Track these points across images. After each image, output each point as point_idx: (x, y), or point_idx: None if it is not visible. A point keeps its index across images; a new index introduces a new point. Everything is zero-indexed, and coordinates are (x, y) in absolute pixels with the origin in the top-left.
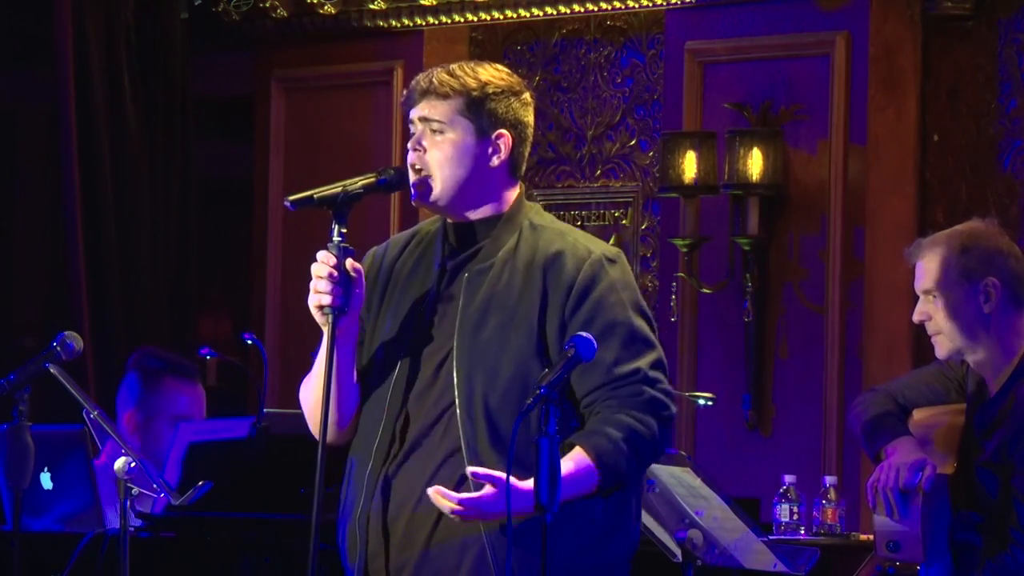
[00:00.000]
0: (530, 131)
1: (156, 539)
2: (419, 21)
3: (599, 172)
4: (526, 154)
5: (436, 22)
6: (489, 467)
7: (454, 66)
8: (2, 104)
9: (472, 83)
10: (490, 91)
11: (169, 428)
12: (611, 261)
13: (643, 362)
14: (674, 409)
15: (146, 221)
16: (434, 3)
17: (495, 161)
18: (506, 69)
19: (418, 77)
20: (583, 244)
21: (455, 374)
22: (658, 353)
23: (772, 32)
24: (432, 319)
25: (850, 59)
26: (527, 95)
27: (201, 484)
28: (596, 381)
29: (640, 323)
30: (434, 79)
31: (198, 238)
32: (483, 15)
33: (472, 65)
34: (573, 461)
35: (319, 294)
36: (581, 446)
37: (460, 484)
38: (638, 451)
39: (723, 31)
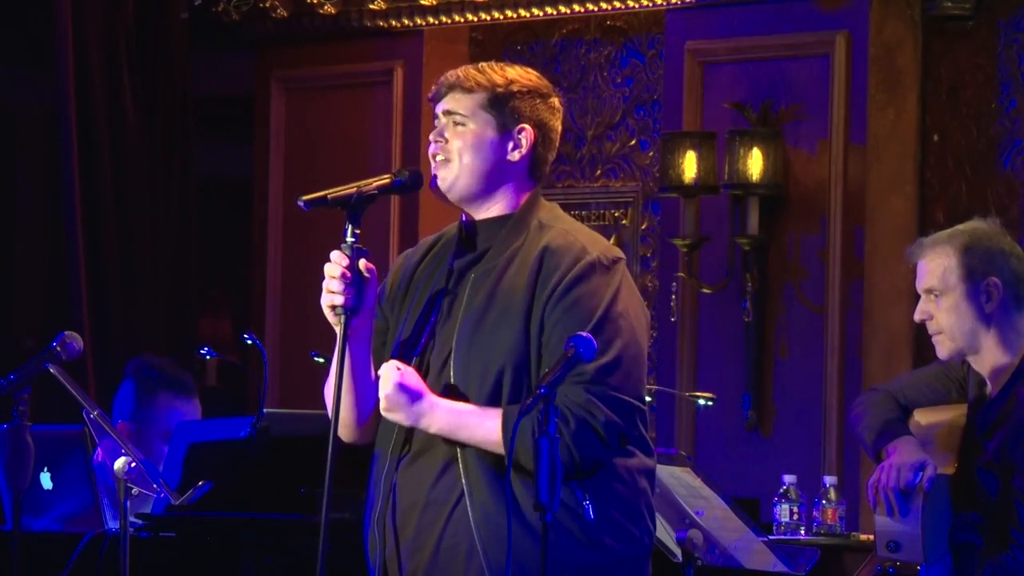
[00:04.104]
0: (555, 135)
1: (156, 539)
2: (419, 21)
3: (599, 172)
4: (549, 158)
5: (436, 22)
6: (481, 474)
7: (484, 64)
8: (2, 104)
9: (498, 79)
10: (515, 89)
11: (161, 443)
12: (604, 266)
13: (590, 366)
14: (602, 417)
15: (146, 221)
16: (434, 3)
17: (515, 155)
18: (536, 72)
19: (447, 72)
20: (581, 244)
21: (452, 375)
22: (613, 355)
23: (772, 32)
24: (438, 321)
25: (850, 59)
26: (555, 100)
27: (201, 484)
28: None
29: (608, 328)
30: (461, 74)
31: (198, 238)
32: (483, 15)
33: (503, 64)
34: (486, 410)
35: (331, 294)
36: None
37: (460, 500)
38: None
39: (723, 31)
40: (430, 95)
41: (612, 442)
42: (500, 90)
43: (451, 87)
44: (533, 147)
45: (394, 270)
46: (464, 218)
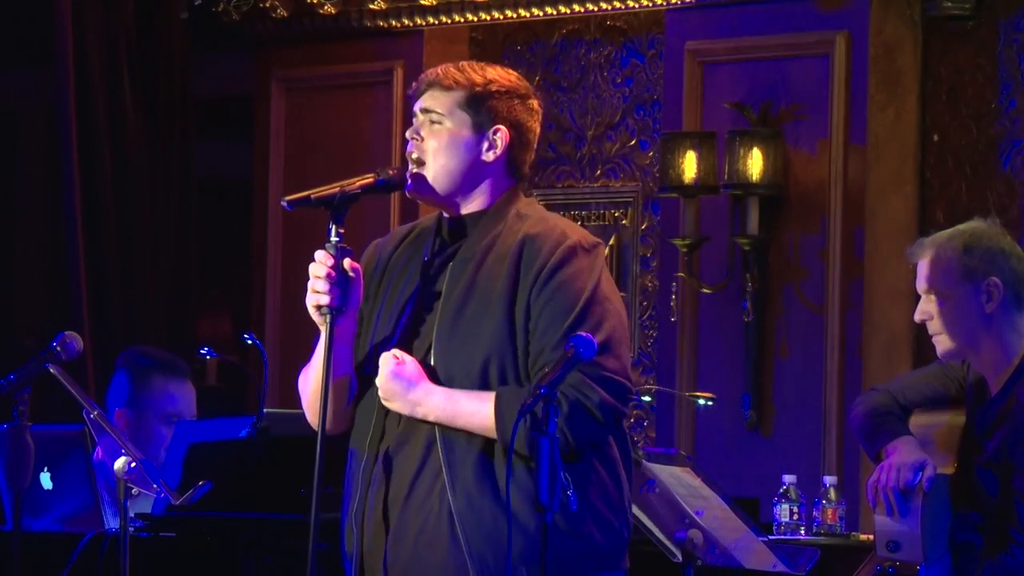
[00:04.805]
0: (532, 136)
1: (156, 539)
2: (419, 21)
3: (599, 172)
4: (527, 158)
5: (436, 22)
6: (465, 462)
7: (464, 63)
8: (2, 104)
9: (477, 79)
10: (493, 89)
11: (161, 426)
12: (585, 250)
13: None
14: (597, 398)
15: (146, 221)
16: (434, 3)
17: (489, 156)
18: (517, 74)
19: (428, 70)
20: (561, 229)
21: (433, 365)
22: (604, 337)
23: (772, 32)
24: (418, 312)
25: (850, 59)
26: (534, 101)
27: (201, 484)
28: (542, 357)
29: (596, 310)
30: (441, 72)
31: (198, 238)
32: (483, 15)
33: (482, 64)
34: (479, 394)
35: (317, 294)
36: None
37: (441, 492)
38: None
39: (723, 31)
40: (410, 92)
41: (608, 422)
42: (478, 89)
43: (430, 84)
44: (509, 148)
45: (366, 260)
46: (442, 213)
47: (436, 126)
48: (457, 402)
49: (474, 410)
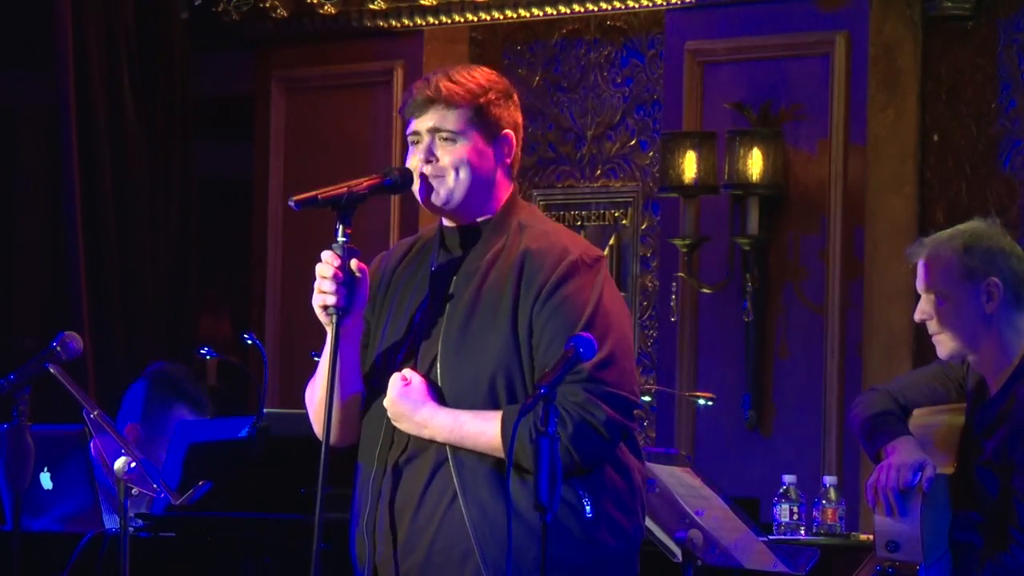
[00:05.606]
0: (521, 131)
1: (156, 539)
2: (419, 21)
3: (599, 172)
4: (520, 155)
5: (436, 22)
6: (476, 473)
7: (451, 73)
8: (2, 104)
9: (477, 89)
10: (492, 97)
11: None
12: (587, 264)
13: (586, 364)
14: (602, 415)
15: (146, 221)
16: (434, 3)
17: (507, 161)
18: (495, 72)
19: (416, 85)
20: (563, 244)
21: (440, 380)
22: (607, 352)
23: (772, 32)
24: (424, 324)
25: (850, 59)
26: (515, 95)
27: (201, 484)
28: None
29: (599, 324)
30: (440, 86)
31: (198, 238)
32: (483, 15)
33: (467, 70)
34: (485, 414)
35: (323, 294)
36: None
37: (453, 500)
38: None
39: (723, 31)
40: (402, 108)
41: (614, 438)
42: (482, 100)
43: (431, 102)
44: (514, 149)
45: (371, 273)
46: (444, 221)
47: (451, 144)
48: (463, 424)
49: (480, 431)
